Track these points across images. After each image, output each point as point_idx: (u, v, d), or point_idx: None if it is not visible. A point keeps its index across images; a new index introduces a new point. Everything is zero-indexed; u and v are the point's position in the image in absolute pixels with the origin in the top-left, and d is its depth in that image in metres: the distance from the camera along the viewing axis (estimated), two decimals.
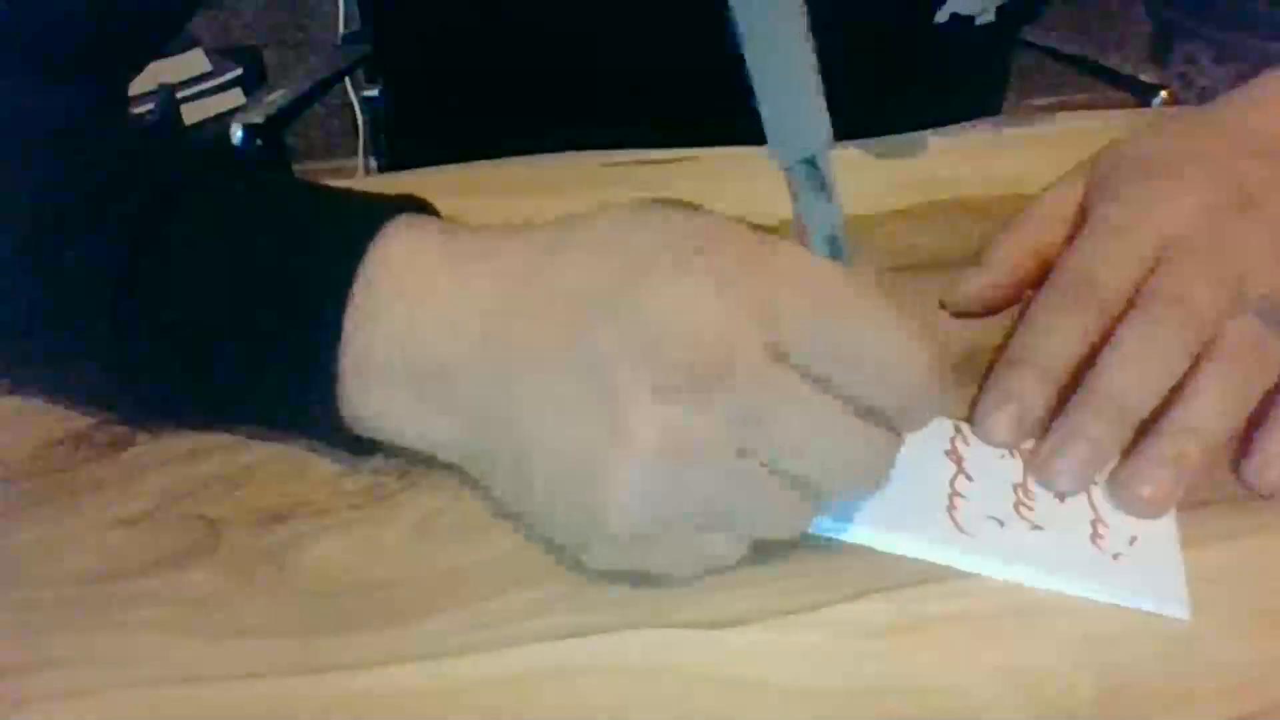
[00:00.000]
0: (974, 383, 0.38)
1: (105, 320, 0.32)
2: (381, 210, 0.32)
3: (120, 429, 0.36)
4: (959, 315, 0.41)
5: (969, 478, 0.34)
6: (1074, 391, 0.35)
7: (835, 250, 0.29)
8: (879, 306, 0.28)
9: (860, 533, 0.32)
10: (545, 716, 0.28)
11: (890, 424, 0.29)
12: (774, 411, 0.27)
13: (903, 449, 0.32)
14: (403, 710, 0.28)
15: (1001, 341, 0.40)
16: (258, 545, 0.32)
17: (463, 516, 0.33)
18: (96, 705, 0.28)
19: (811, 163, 0.28)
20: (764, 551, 0.32)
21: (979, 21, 0.54)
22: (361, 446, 0.33)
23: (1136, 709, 0.28)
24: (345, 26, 1.18)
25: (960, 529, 0.32)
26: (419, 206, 0.33)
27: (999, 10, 0.54)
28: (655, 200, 0.30)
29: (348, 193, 0.34)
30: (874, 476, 0.30)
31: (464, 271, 0.31)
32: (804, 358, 0.28)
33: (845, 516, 0.33)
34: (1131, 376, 0.34)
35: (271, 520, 0.33)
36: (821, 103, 0.27)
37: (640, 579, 0.30)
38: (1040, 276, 0.42)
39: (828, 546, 0.32)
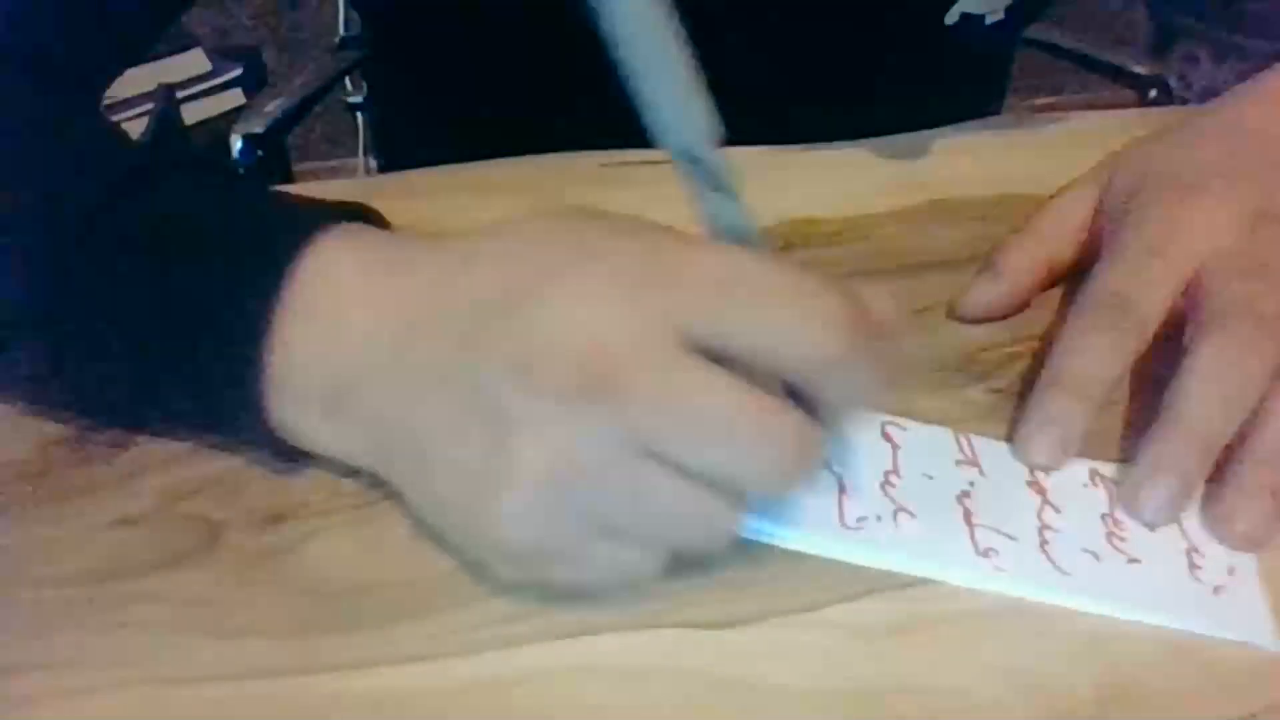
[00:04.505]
0: (975, 382, 0.38)
1: (37, 324, 0.32)
2: (306, 226, 0.32)
3: (120, 429, 0.36)
4: (969, 321, 0.41)
5: (1056, 509, 0.33)
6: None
7: (739, 239, 0.29)
8: (786, 282, 0.28)
9: (955, 572, 0.32)
10: (545, 717, 0.28)
11: (815, 406, 0.28)
12: (681, 404, 0.27)
13: (984, 480, 0.33)
14: (402, 710, 0.28)
15: (1003, 343, 0.40)
16: (258, 545, 0.32)
17: None
18: (96, 705, 0.28)
19: (696, 158, 0.28)
20: (765, 551, 0.32)
21: (989, 21, 0.53)
22: (293, 454, 0.33)
23: (1136, 709, 0.28)
24: (345, 28, 1.18)
25: (1056, 566, 0.32)
26: (353, 213, 0.34)
27: (1007, 9, 0.54)
28: (571, 208, 0.30)
29: (279, 204, 0.34)
30: (793, 469, 0.28)
31: (372, 292, 0.31)
32: (715, 343, 0.27)
33: (930, 552, 0.32)
34: (1217, 403, 0.33)
35: (271, 520, 0.33)
36: (701, 99, 0.27)
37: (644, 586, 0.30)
38: (1052, 285, 0.42)
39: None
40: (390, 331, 0.30)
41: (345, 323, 0.31)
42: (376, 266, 0.31)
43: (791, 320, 0.27)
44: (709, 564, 0.31)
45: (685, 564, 0.30)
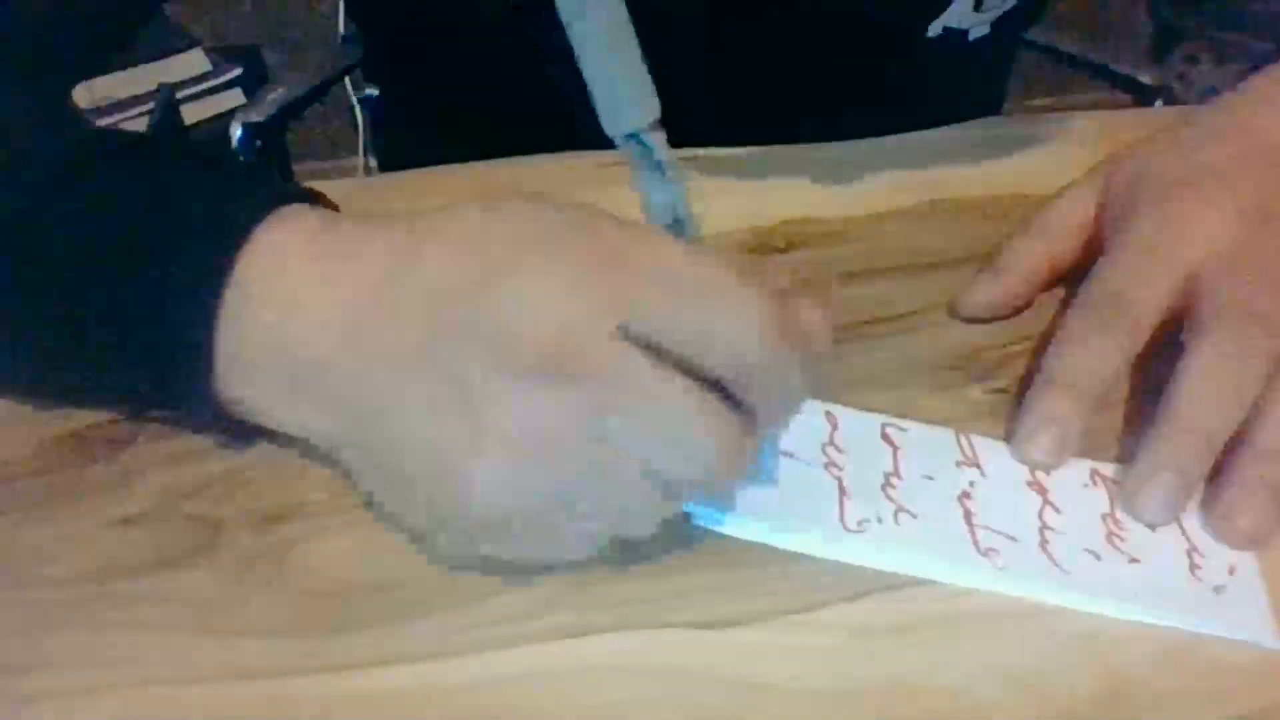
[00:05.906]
0: (975, 382, 0.38)
1: None
2: (256, 206, 0.32)
3: (120, 429, 0.36)
4: (969, 320, 0.41)
5: (1057, 510, 0.33)
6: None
7: (676, 228, 0.30)
8: (724, 284, 0.29)
9: (955, 572, 0.32)
10: (545, 717, 0.28)
11: (750, 409, 0.29)
12: (624, 394, 0.28)
13: (985, 480, 0.34)
14: (403, 710, 0.28)
15: (1002, 343, 0.40)
16: (258, 545, 0.32)
17: None
18: (96, 705, 0.28)
19: (639, 139, 0.29)
20: (765, 551, 0.32)
21: (973, 36, 0.53)
22: (245, 431, 0.34)
23: (1136, 709, 0.28)
24: (345, 26, 1.18)
25: (1057, 565, 0.32)
26: (301, 195, 0.34)
27: (993, 23, 0.53)
28: (520, 195, 0.30)
29: (229, 182, 0.34)
30: (720, 466, 0.29)
31: (329, 271, 0.31)
32: (656, 341, 0.28)
33: (931, 553, 0.32)
34: (1215, 401, 0.33)
35: (271, 520, 0.33)
36: (646, 82, 0.28)
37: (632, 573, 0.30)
38: (1052, 285, 0.42)
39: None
40: (345, 316, 0.30)
41: (298, 306, 0.31)
42: (323, 249, 0.32)
43: (723, 323, 0.28)
44: (711, 563, 0.31)
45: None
